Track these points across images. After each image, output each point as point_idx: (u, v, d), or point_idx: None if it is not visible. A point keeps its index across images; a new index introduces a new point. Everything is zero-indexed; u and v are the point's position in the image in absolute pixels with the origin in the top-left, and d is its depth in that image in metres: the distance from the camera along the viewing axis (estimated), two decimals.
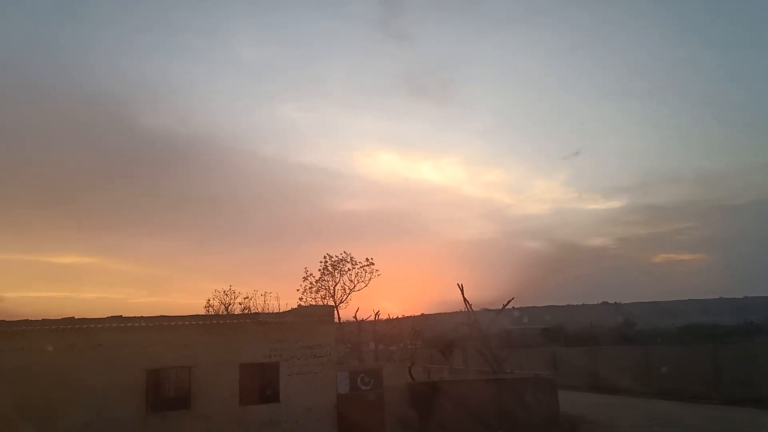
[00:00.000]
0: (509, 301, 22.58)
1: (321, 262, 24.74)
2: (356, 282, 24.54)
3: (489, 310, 26.85)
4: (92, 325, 15.54)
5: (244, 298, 29.14)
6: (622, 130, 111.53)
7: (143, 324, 15.94)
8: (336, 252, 24.93)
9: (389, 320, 28.64)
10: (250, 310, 27.93)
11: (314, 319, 17.48)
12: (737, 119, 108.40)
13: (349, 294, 24.56)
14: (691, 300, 76.60)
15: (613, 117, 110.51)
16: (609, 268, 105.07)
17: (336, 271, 24.52)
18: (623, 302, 79.18)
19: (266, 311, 25.99)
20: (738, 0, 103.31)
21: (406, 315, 36.43)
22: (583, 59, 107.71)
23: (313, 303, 23.36)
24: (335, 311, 21.51)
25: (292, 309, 19.79)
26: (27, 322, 15.41)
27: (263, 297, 28.53)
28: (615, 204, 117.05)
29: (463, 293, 22.04)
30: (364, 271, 24.55)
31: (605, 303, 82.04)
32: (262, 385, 16.36)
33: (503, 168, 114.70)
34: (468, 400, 17.71)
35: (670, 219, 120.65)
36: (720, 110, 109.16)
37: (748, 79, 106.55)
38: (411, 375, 20.91)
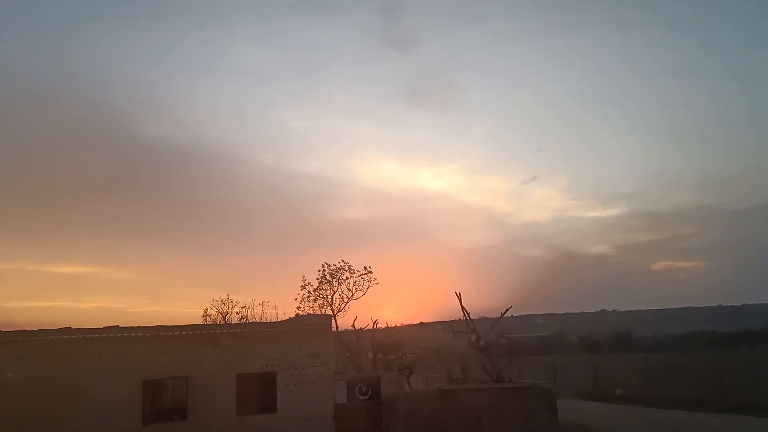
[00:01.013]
0: (507, 309, 22.50)
1: (319, 270, 24.67)
2: (354, 290, 24.45)
3: (488, 318, 26.78)
4: (89, 336, 15.48)
5: (242, 308, 29.09)
6: (621, 136, 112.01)
7: (140, 334, 15.88)
8: (335, 260, 24.86)
9: (388, 329, 28.57)
10: (247, 319, 27.85)
11: (312, 328, 17.42)
12: (737, 124, 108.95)
13: (347, 303, 24.46)
14: (691, 308, 76.58)
15: (611, 123, 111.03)
16: (608, 275, 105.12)
17: (334, 280, 24.44)
18: (622, 310, 79.18)
19: (264, 320, 25.94)
20: (741, 2, 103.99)
21: (405, 323, 36.33)
22: (583, 65, 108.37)
23: (311, 312, 23.24)
24: (333, 320, 21.42)
25: (289, 318, 19.71)
26: (24, 333, 15.34)
27: (261, 306, 28.48)
28: (614, 211, 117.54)
29: (461, 302, 21.95)
30: (362, 280, 24.47)
31: (604, 310, 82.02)
32: (259, 395, 16.29)
33: (503, 175, 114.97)
34: (467, 409, 17.61)
35: (670, 226, 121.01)
36: (720, 115, 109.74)
37: (747, 84, 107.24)
38: (409, 384, 20.81)
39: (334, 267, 24.63)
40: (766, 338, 38.17)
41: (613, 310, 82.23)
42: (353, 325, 24.66)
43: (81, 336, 15.40)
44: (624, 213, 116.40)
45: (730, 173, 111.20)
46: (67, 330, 15.55)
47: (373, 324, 25.77)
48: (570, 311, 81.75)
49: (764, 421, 19.06)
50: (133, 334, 15.80)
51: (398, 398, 17.93)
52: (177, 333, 16.23)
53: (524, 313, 64.75)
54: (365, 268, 24.66)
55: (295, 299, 24.72)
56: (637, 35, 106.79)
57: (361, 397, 17.26)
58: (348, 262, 24.70)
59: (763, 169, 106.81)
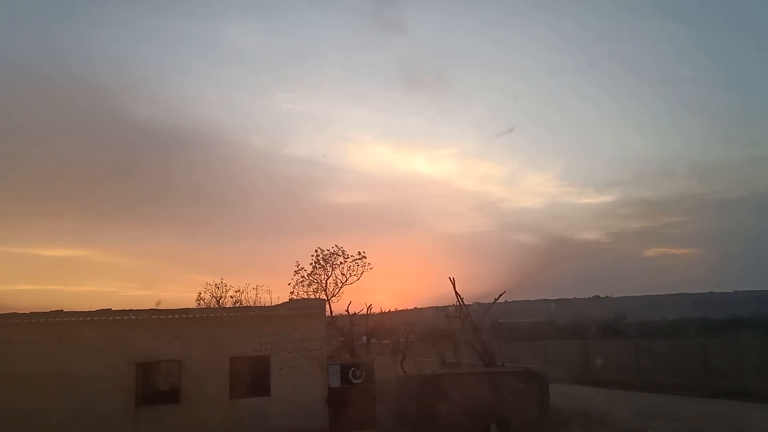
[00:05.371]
0: (501, 295, 22.60)
1: (313, 255, 24.59)
2: (348, 275, 24.41)
3: (481, 303, 26.87)
4: (81, 318, 15.42)
5: (236, 292, 29.04)
6: (615, 123, 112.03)
7: (132, 317, 15.83)
8: (329, 245, 24.82)
9: (382, 314, 28.61)
10: (241, 303, 27.81)
11: (305, 312, 17.44)
12: (730, 114, 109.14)
13: (341, 287, 24.41)
14: (682, 294, 77.26)
15: (606, 110, 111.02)
16: (601, 261, 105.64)
17: (328, 265, 24.37)
18: (615, 296, 79.78)
19: (258, 305, 25.92)
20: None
21: (399, 308, 36.34)
22: (578, 53, 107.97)
23: (305, 297, 23.22)
24: (327, 305, 21.42)
25: (283, 302, 19.72)
26: (14, 315, 15.28)
27: (255, 290, 28.43)
28: (608, 198, 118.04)
29: (454, 286, 22.00)
30: (356, 265, 24.40)
31: (596, 297, 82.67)
32: (252, 379, 16.33)
33: (497, 161, 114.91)
34: (459, 393, 17.71)
35: (663, 213, 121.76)
36: (714, 104, 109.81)
37: (742, 74, 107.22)
38: (403, 368, 20.92)
39: (328, 252, 24.58)
40: (754, 325, 38.64)
41: (606, 296, 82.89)
42: (347, 310, 24.67)
43: (73, 319, 15.35)
44: (617, 200, 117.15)
45: (721, 162, 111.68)
46: (59, 313, 15.49)
47: (367, 309, 25.82)
48: (563, 297, 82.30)
49: (750, 406, 19.33)
50: (125, 317, 15.76)
51: (392, 382, 18.03)
52: (170, 316, 16.21)
53: (517, 299, 65.16)
54: (359, 253, 24.59)
55: (289, 284, 24.67)
56: (632, 22, 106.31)
57: (355, 381, 17.32)
58: (342, 247, 24.63)
59: (753, 159, 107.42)
